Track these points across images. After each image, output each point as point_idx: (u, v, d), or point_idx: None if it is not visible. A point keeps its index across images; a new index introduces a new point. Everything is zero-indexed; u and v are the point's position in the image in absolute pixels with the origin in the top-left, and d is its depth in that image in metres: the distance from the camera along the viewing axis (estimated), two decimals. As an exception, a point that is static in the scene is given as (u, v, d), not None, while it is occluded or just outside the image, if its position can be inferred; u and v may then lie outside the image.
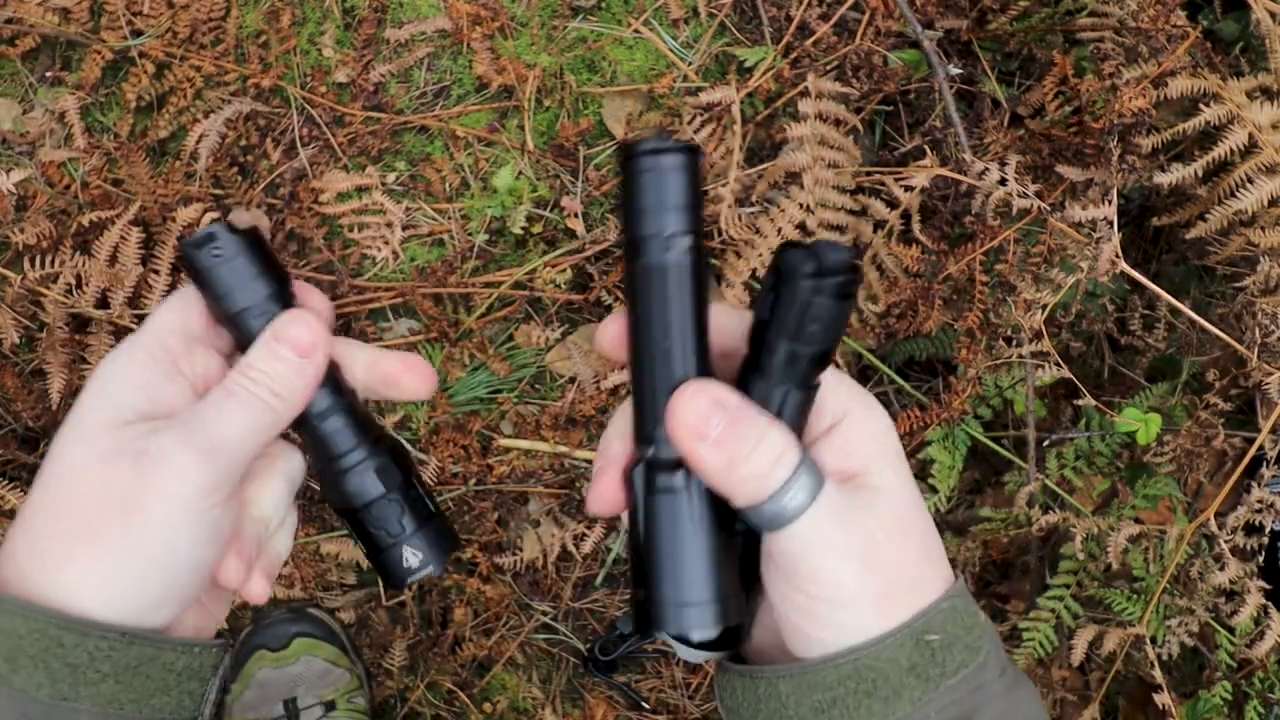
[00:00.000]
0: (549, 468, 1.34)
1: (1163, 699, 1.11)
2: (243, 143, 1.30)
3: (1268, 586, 1.09)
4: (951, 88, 1.21)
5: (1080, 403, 1.12)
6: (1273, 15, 1.07)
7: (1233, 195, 1.06)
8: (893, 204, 1.17)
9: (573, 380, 1.35)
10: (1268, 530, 1.09)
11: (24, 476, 1.28)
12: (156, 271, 1.19)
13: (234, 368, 0.52)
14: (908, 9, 1.20)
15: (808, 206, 1.18)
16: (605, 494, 0.52)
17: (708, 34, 1.31)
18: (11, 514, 1.19)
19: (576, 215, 1.31)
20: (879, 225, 1.19)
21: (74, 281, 1.16)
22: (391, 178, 1.32)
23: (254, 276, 0.53)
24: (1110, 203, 1.02)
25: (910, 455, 1.21)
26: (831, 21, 1.25)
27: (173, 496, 0.49)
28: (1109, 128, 1.10)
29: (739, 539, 0.53)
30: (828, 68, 1.25)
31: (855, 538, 0.49)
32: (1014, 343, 1.14)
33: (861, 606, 0.49)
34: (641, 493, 0.50)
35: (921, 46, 1.20)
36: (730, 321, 0.53)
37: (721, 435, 0.48)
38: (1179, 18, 1.09)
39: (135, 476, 0.49)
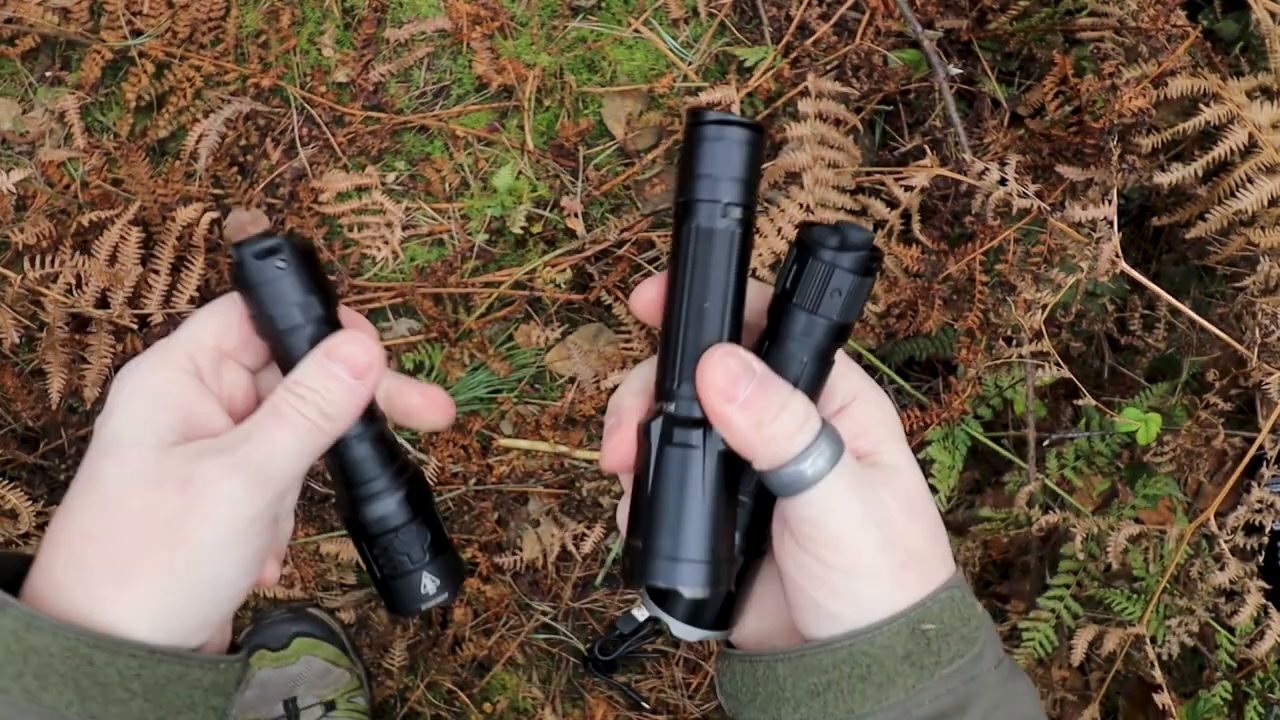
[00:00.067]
0: (549, 468, 1.34)
1: (1163, 699, 1.11)
2: (242, 142, 1.30)
3: (1268, 586, 1.09)
4: (951, 88, 1.21)
5: (1080, 403, 1.12)
6: (1273, 15, 1.07)
7: (1233, 195, 1.06)
8: (893, 204, 1.17)
9: (572, 380, 1.35)
10: (1268, 530, 1.09)
11: (24, 476, 1.28)
12: (156, 271, 1.19)
13: (281, 385, 0.51)
14: (908, 9, 1.20)
15: (808, 206, 1.18)
16: (621, 449, 0.52)
17: (708, 34, 1.31)
18: (12, 514, 1.19)
19: (576, 215, 1.31)
20: (879, 225, 1.19)
21: (74, 281, 1.16)
22: (391, 177, 1.32)
23: (308, 293, 0.51)
24: (1110, 202, 1.02)
25: (910, 455, 1.21)
26: (831, 21, 1.25)
27: (221, 525, 0.48)
28: (1109, 128, 1.10)
29: (745, 512, 0.53)
30: (828, 67, 1.25)
31: (874, 508, 0.50)
32: (1014, 343, 1.13)
33: (880, 575, 0.50)
34: (657, 444, 0.50)
35: (921, 46, 1.20)
36: (751, 293, 0.53)
37: (750, 398, 0.49)
38: (1179, 17, 1.09)
39: (182, 504, 0.48)
